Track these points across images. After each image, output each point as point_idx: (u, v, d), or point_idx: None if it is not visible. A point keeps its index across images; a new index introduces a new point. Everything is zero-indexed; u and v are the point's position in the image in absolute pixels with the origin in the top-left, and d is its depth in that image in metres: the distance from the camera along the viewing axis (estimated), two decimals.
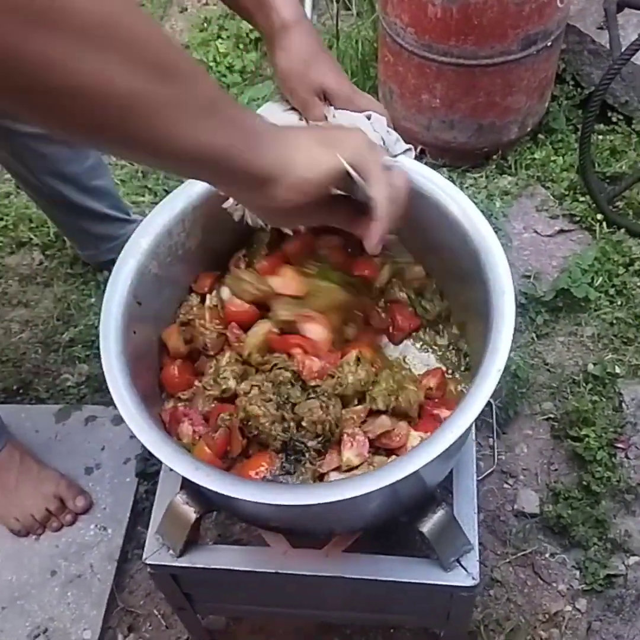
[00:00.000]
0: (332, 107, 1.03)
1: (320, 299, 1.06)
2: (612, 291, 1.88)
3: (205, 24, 2.68)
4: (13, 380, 1.84)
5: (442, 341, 1.17)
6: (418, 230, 1.11)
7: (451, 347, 1.16)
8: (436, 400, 1.09)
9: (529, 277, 1.91)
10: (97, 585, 1.52)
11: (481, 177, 2.15)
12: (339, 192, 0.82)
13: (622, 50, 1.76)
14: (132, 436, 1.68)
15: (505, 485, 1.61)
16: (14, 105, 0.56)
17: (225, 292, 1.14)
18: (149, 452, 1.61)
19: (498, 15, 1.78)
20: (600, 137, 2.20)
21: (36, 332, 1.94)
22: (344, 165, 0.76)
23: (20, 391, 1.82)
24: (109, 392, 1.80)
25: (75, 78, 0.54)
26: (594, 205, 2.01)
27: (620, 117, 2.23)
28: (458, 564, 1.07)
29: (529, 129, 2.17)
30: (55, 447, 1.69)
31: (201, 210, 1.12)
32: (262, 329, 1.08)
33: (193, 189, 1.12)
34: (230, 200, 1.07)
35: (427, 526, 1.03)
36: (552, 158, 2.17)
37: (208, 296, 1.14)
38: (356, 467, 1.00)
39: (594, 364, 1.75)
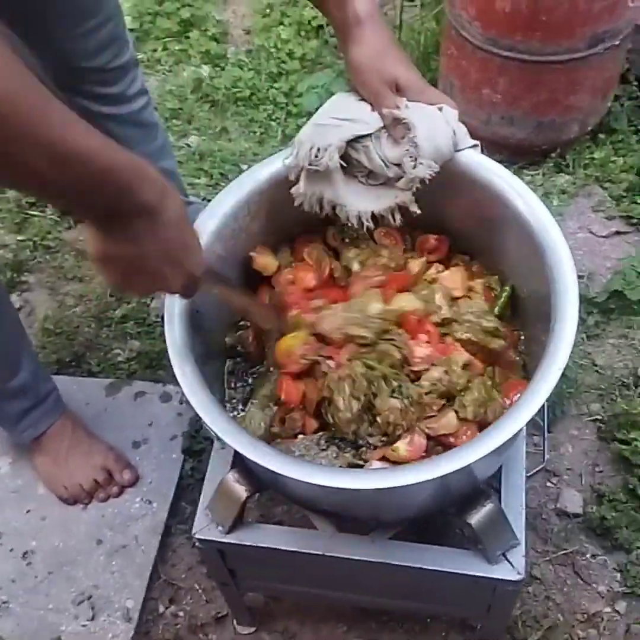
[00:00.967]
0: (405, 99, 1.04)
1: None
2: None
3: (268, 10, 2.69)
4: (66, 352, 1.88)
5: None
6: (484, 223, 1.11)
7: None
8: None
9: (582, 277, 1.90)
10: (141, 556, 1.55)
11: (538, 174, 2.13)
12: None
13: None
14: (180, 413, 1.74)
15: (549, 484, 1.61)
16: None
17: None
18: (197, 430, 1.66)
19: (568, 12, 1.77)
20: None
21: (90, 306, 1.98)
22: None
23: (73, 364, 1.86)
24: (158, 369, 1.85)
25: None
26: None
27: None
28: (504, 558, 1.08)
29: (589, 128, 2.14)
30: (104, 420, 1.73)
31: (267, 195, 1.14)
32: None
33: (260, 173, 1.14)
34: (300, 184, 1.09)
35: (476, 518, 1.04)
36: (612, 158, 2.14)
37: None
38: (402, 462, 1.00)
39: None
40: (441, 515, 1.44)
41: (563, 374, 0.99)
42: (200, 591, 1.53)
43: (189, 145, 2.32)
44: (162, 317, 1.03)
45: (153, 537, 1.57)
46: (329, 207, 1.11)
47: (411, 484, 0.87)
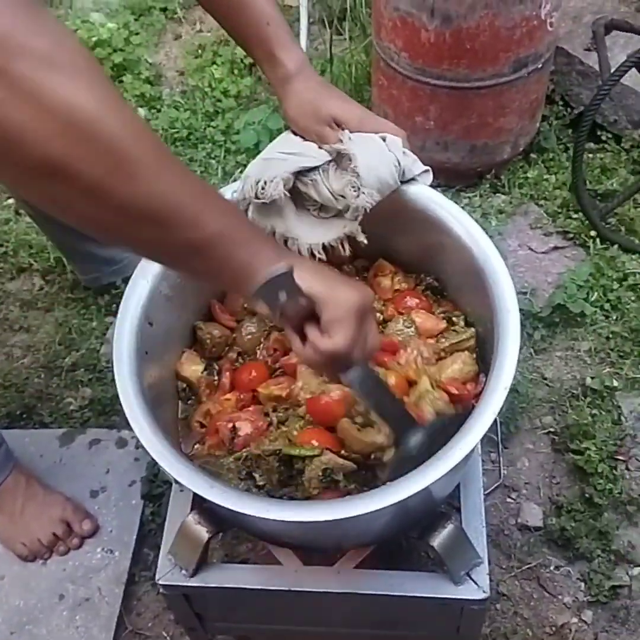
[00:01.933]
0: (347, 131, 1.06)
1: None
2: (607, 306, 1.91)
3: (200, 51, 2.72)
4: (16, 405, 1.84)
5: None
6: (428, 251, 1.14)
7: None
8: None
9: (525, 293, 1.94)
10: (105, 608, 1.52)
11: (475, 196, 2.19)
12: None
13: (612, 71, 1.80)
14: (137, 458, 1.72)
15: (508, 499, 1.63)
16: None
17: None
18: (155, 474, 1.64)
19: (490, 39, 1.83)
20: (591, 155, 2.25)
21: (38, 357, 1.95)
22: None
23: (24, 416, 1.83)
24: (112, 415, 1.82)
25: None
26: (587, 222, 2.05)
27: (610, 135, 2.27)
28: (468, 578, 1.09)
29: (521, 149, 2.21)
30: (60, 471, 1.69)
31: None
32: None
33: None
34: (249, 217, 1.10)
35: (438, 541, 1.05)
36: (545, 177, 2.21)
37: None
38: None
39: (592, 378, 1.77)
40: (406, 539, 1.45)
41: (514, 390, 1.03)
42: (168, 638, 1.51)
43: None
44: (112, 363, 1.03)
45: (117, 588, 1.54)
46: (281, 240, 1.12)
47: (370, 511, 0.87)
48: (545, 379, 1.81)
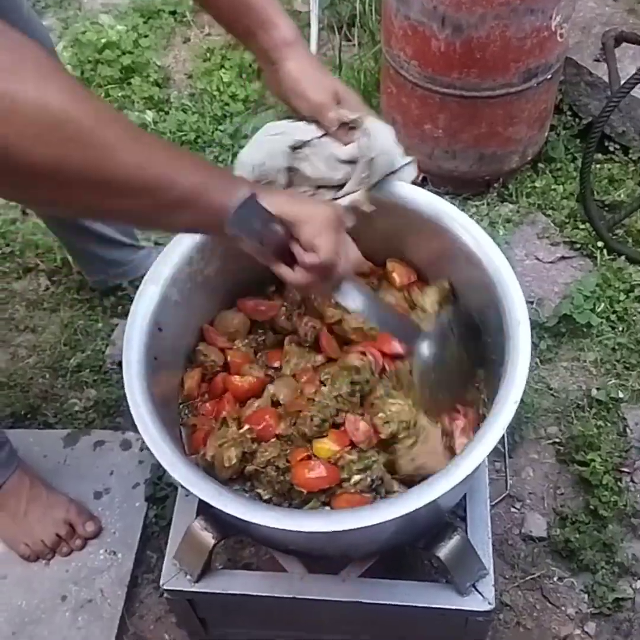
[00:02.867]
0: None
1: None
2: (613, 317, 1.91)
3: (209, 54, 2.72)
4: (21, 405, 1.84)
5: None
6: (438, 261, 1.14)
7: None
8: None
9: (531, 303, 1.94)
10: (107, 610, 1.52)
11: (483, 205, 2.19)
12: None
13: (621, 83, 1.81)
14: (141, 461, 1.72)
15: (513, 510, 1.63)
16: None
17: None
18: (159, 477, 1.64)
19: (500, 49, 1.83)
20: (598, 166, 2.25)
21: (43, 357, 1.96)
22: None
23: (28, 416, 1.83)
24: (116, 416, 1.82)
25: None
26: (594, 232, 2.05)
27: (617, 146, 2.28)
28: (474, 589, 1.09)
29: (529, 158, 2.21)
30: (64, 471, 1.69)
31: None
32: None
33: None
34: None
35: (444, 552, 1.05)
36: (552, 186, 2.21)
37: None
38: None
39: (598, 389, 1.77)
40: (411, 549, 1.45)
41: (520, 400, 1.03)
42: None
43: None
44: (119, 364, 1.03)
45: (119, 589, 1.54)
46: None
47: (378, 523, 0.87)
48: (551, 389, 1.81)
